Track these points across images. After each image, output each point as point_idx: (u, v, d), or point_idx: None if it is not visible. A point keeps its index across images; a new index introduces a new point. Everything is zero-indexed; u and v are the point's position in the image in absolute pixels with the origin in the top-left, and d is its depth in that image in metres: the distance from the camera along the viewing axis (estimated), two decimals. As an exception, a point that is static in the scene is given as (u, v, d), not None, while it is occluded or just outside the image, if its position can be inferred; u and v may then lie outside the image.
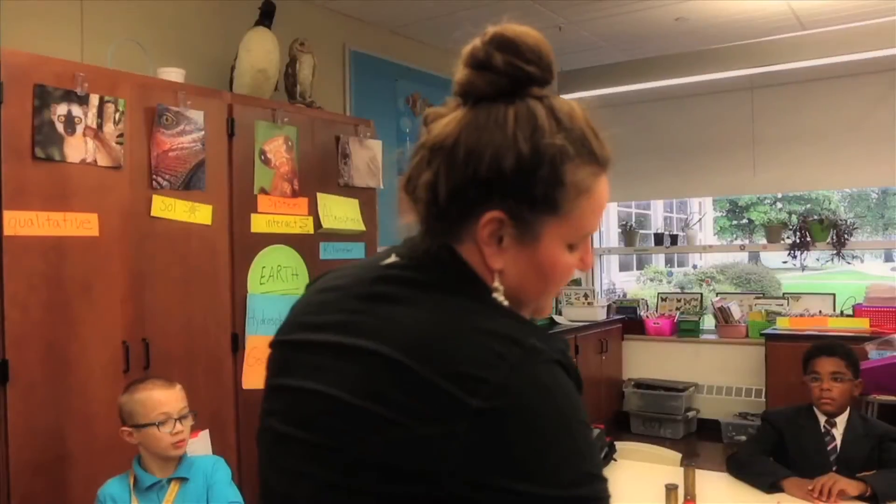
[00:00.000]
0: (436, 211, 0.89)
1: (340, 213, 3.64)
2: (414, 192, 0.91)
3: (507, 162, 0.84)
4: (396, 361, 0.81)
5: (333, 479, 0.84)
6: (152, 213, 2.91)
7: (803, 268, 6.25)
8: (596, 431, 2.70)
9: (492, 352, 0.80)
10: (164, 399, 2.19)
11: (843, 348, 2.78)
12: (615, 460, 2.74)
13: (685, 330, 6.38)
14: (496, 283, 0.89)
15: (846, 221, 6.01)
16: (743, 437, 5.59)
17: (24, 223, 2.52)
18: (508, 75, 0.87)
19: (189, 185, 3.04)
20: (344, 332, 0.88)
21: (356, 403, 0.82)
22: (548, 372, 0.81)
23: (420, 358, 0.80)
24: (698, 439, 6.08)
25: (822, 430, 2.66)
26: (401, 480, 0.79)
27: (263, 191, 3.32)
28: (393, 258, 0.93)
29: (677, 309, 6.67)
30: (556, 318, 5.98)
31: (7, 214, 2.47)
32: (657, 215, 12.97)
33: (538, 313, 0.97)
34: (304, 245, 3.49)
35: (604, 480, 0.82)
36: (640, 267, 12.49)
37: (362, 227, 3.76)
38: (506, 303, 0.89)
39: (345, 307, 0.91)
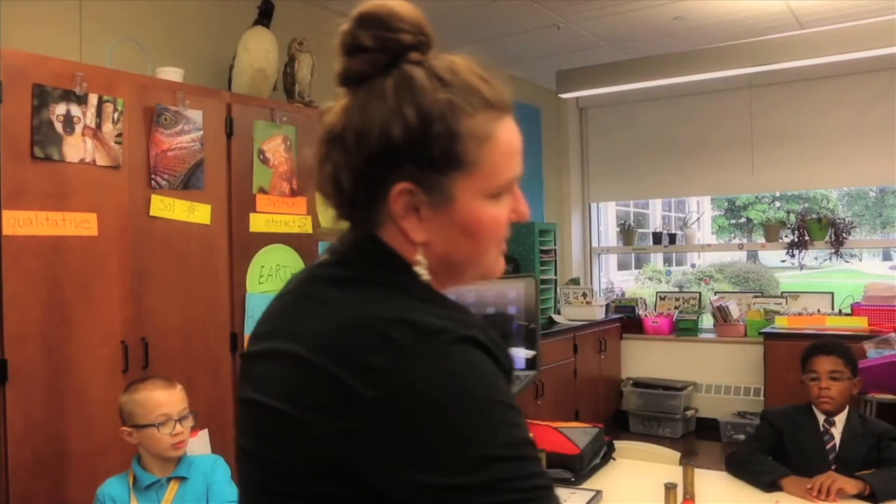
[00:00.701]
0: (345, 202, 0.89)
1: (339, 212, 3.63)
2: (328, 197, 0.91)
3: (396, 131, 0.83)
4: (306, 360, 0.81)
5: (278, 488, 0.83)
6: (151, 213, 2.92)
7: (801, 267, 6.25)
8: (594, 430, 2.70)
9: (384, 338, 0.79)
10: (164, 400, 2.18)
11: (841, 347, 2.78)
12: (614, 459, 2.74)
13: (684, 329, 6.39)
14: (417, 257, 0.88)
15: (844, 220, 6.02)
16: (741, 436, 5.60)
17: (23, 223, 2.52)
18: (380, 49, 0.86)
19: (188, 184, 3.04)
20: (278, 338, 0.89)
21: (281, 408, 0.83)
22: (449, 351, 0.78)
23: (322, 354, 0.80)
24: (697, 438, 6.08)
25: (821, 428, 2.67)
26: (326, 481, 0.79)
27: (262, 190, 3.32)
28: (325, 256, 0.94)
29: (676, 308, 6.68)
30: (555, 317, 5.98)
31: (6, 214, 2.47)
32: (655, 214, 12.97)
33: (487, 275, 0.94)
34: (302, 244, 3.49)
35: (524, 459, 0.78)
36: (638, 266, 12.49)
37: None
38: (426, 277, 0.88)
39: (285, 312, 0.92)
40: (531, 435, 0.82)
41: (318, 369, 0.80)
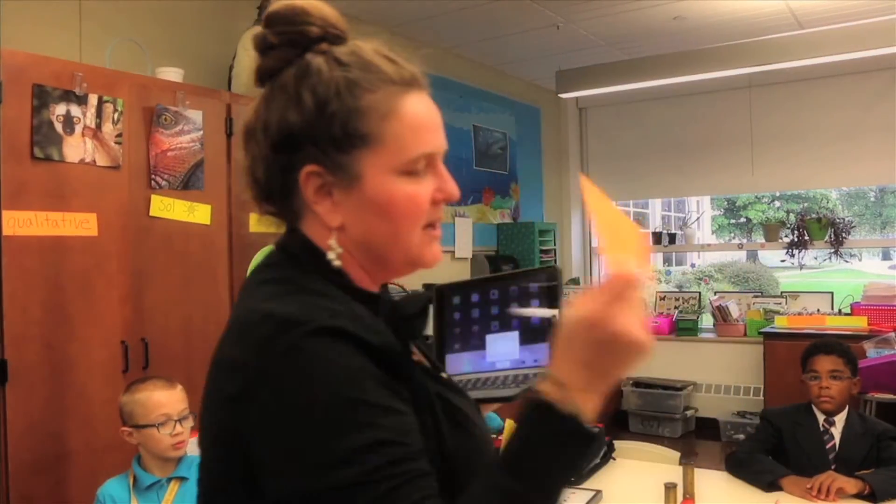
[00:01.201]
0: (263, 194, 0.90)
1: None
2: (249, 191, 0.93)
3: (293, 116, 0.85)
4: (212, 360, 0.86)
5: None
6: (151, 213, 2.92)
7: (801, 266, 6.25)
8: (594, 429, 2.70)
9: (247, 334, 0.80)
10: (164, 400, 2.18)
11: (841, 347, 2.78)
12: (614, 459, 2.74)
13: (683, 329, 6.38)
14: (330, 242, 0.87)
15: (844, 220, 6.02)
16: (741, 436, 5.60)
17: (23, 223, 2.52)
18: (286, 44, 0.87)
19: (188, 184, 3.04)
20: None
21: (203, 405, 0.87)
22: (304, 344, 0.76)
23: (216, 352, 0.85)
24: (697, 438, 6.08)
25: (821, 428, 2.67)
26: (220, 457, 0.83)
27: (262, 190, 3.31)
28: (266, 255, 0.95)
29: (676, 308, 6.67)
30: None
31: (6, 214, 2.47)
32: (655, 214, 12.96)
33: (417, 262, 0.90)
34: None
35: (369, 463, 0.73)
36: (638, 266, 12.47)
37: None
38: (337, 263, 0.87)
39: None
40: (398, 430, 0.77)
41: (212, 366, 0.85)
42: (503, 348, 1.17)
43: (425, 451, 0.79)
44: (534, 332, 1.14)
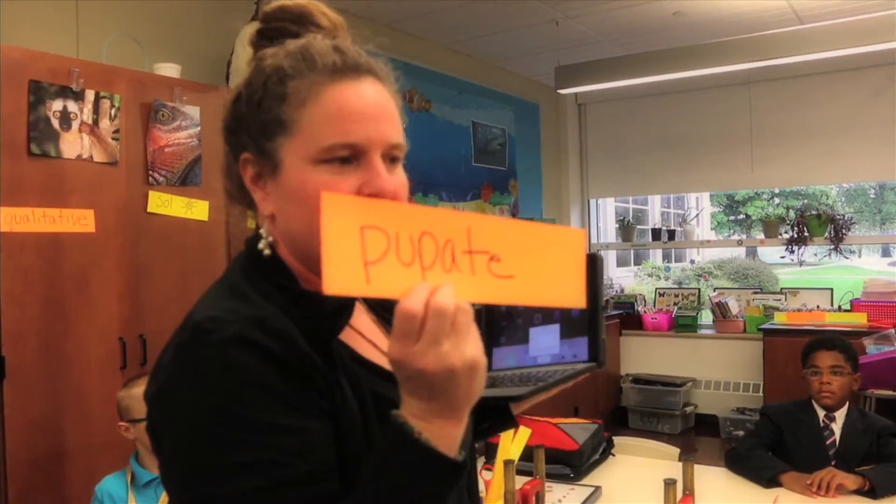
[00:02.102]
0: (225, 183, 0.94)
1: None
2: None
3: (235, 103, 0.89)
4: None
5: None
6: (149, 209, 2.91)
7: (801, 263, 6.24)
8: (593, 427, 2.69)
9: (174, 337, 0.83)
10: None
11: (842, 342, 2.77)
12: (613, 455, 2.74)
13: (683, 325, 6.38)
14: (261, 231, 0.89)
15: (844, 216, 6.01)
16: (741, 432, 5.60)
17: (20, 219, 2.51)
18: (268, 34, 0.91)
19: (185, 180, 3.03)
20: None
21: None
22: (206, 352, 0.76)
23: None
24: (696, 434, 6.08)
25: (821, 424, 2.66)
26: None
27: (260, 186, 3.30)
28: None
29: (675, 304, 6.67)
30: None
31: (3, 211, 2.46)
32: (654, 210, 12.96)
33: None
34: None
35: (251, 475, 0.72)
36: (637, 262, 12.49)
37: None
38: (266, 253, 0.88)
39: None
40: (285, 450, 0.74)
41: None
42: (545, 342, 1.15)
43: (321, 471, 0.76)
44: (574, 325, 1.11)
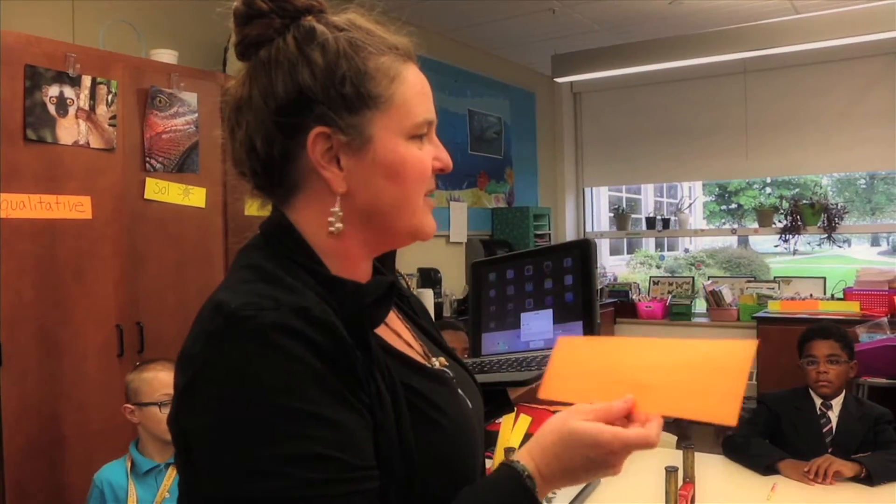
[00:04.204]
0: (260, 165, 0.87)
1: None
2: (242, 166, 0.89)
3: (304, 75, 0.83)
4: None
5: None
6: (145, 196, 2.89)
7: (795, 252, 6.27)
8: None
9: (200, 325, 0.79)
10: (169, 381, 2.17)
11: (838, 330, 2.79)
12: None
13: (677, 313, 6.40)
14: (334, 209, 0.85)
15: (837, 205, 6.03)
16: (734, 420, 5.62)
17: (17, 206, 2.49)
18: (275, 12, 0.85)
19: (182, 167, 3.01)
20: None
21: None
22: (246, 341, 0.73)
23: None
24: (690, 422, 6.09)
25: (818, 412, 2.68)
26: (182, 456, 0.81)
27: (257, 174, 3.29)
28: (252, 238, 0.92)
29: (669, 293, 6.69)
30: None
31: (-1, 197, 2.44)
32: (648, 199, 12.97)
33: (418, 231, 0.89)
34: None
35: (294, 478, 0.71)
36: (630, 251, 12.50)
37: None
38: (338, 227, 0.85)
39: None
40: (336, 444, 0.74)
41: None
42: (537, 327, 1.15)
43: (367, 467, 0.76)
44: (568, 310, 1.12)
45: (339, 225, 0.85)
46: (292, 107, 0.83)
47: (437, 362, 0.96)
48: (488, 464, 2.03)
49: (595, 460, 0.79)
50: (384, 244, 0.91)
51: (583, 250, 1.13)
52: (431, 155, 0.88)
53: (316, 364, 0.74)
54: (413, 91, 0.87)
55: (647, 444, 0.79)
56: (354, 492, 0.74)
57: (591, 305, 1.11)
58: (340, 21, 0.86)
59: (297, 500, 0.71)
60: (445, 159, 0.90)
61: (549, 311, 1.15)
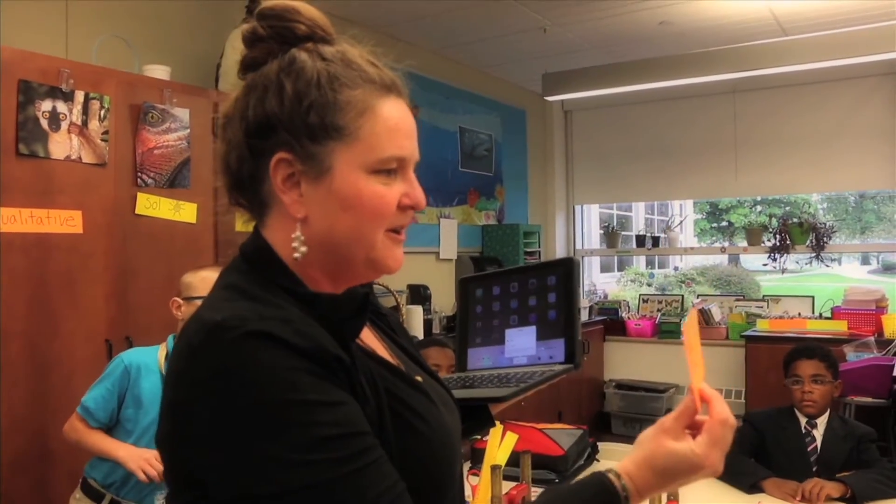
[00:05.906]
0: (234, 182, 0.91)
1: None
2: (223, 180, 0.93)
3: (272, 101, 0.86)
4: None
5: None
6: (137, 211, 2.90)
7: (783, 270, 6.31)
8: (578, 432, 2.71)
9: (184, 341, 0.81)
10: None
11: (822, 351, 2.81)
12: (598, 461, 2.75)
13: (666, 331, 6.42)
14: (295, 234, 0.87)
15: (825, 224, 6.08)
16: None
17: (8, 220, 2.50)
18: (273, 38, 0.89)
19: (174, 182, 3.03)
20: None
21: None
22: (231, 349, 0.76)
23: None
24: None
25: (803, 431, 2.70)
26: (173, 477, 0.83)
27: (248, 189, 3.30)
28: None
29: (658, 310, 6.71)
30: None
31: (-10, 211, 2.45)
32: (638, 217, 13.02)
33: (379, 265, 0.90)
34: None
35: (314, 463, 0.74)
36: (620, 268, 12.54)
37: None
38: (302, 251, 0.86)
39: None
40: (343, 422, 0.77)
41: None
42: (521, 343, 1.17)
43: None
44: (550, 327, 1.14)
45: (304, 249, 0.87)
46: (259, 130, 0.87)
47: (416, 379, 0.98)
48: (474, 482, 2.04)
49: (689, 474, 0.89)
50: (349, 274, 0.91)
51: (566, 268, 1.15)
52: (400, 191, 0.88)
53: (304, 363, 0.77)
54: (384, 126, 0.87)
55: (726, 426, 0.90)
56: (382, 457, 0.78)
57: (573, 323, 1.12)
58: (329, 52, 0.88)
59: (334, 482, 0.74)
60: (416, 197, 0.90)
61: (533, 328, 1.16)
